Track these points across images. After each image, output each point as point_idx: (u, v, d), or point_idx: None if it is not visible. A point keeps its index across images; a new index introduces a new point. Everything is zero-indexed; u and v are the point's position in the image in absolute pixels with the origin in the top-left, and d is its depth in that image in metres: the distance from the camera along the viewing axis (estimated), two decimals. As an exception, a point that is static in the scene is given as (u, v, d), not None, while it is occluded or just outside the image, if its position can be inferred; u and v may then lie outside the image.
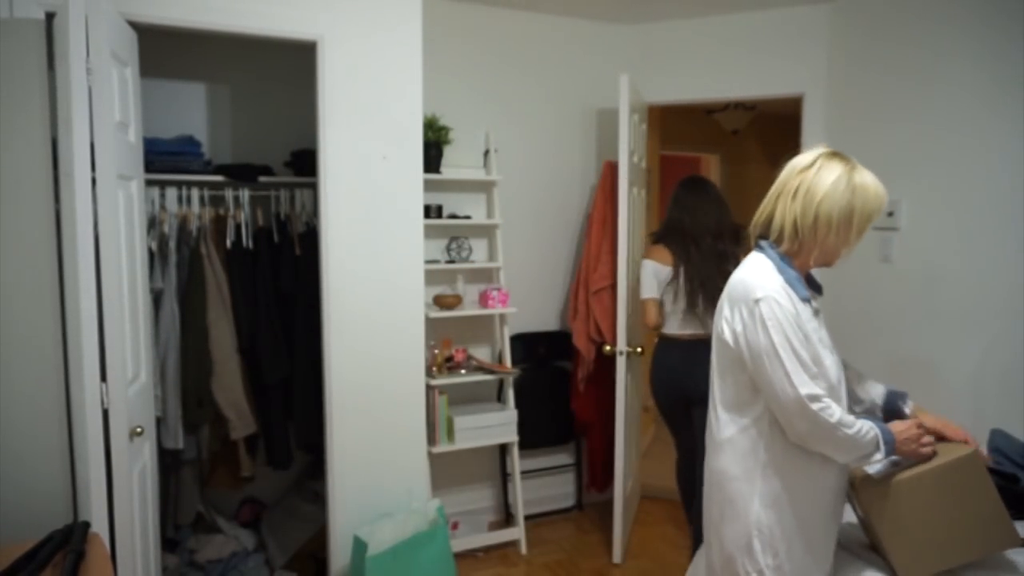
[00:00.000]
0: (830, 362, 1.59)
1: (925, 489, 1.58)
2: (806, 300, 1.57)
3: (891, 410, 1.76)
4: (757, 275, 1.57)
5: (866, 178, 1.55)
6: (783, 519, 1.56)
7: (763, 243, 1.63)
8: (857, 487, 1.67)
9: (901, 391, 1.79)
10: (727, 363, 1.61)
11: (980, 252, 2.63)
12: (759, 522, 1.57)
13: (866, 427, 1.52)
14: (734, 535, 1.61)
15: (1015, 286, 2.49)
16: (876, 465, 1.60)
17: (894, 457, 1.58)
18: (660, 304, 2.91)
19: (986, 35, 2.59)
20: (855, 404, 1.80)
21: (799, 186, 1.56)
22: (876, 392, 1.79)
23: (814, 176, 1.55)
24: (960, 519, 1.59)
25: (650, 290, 2.90)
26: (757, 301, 1.52)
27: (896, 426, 1.57)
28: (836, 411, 1.50)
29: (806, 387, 1.48)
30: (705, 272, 2.78)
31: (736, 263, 1.86)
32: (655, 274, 2.89)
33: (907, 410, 1.75)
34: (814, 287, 1.68)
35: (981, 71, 2.62)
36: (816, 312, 1.62)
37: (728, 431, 1.62)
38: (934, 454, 1.60)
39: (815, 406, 1.48)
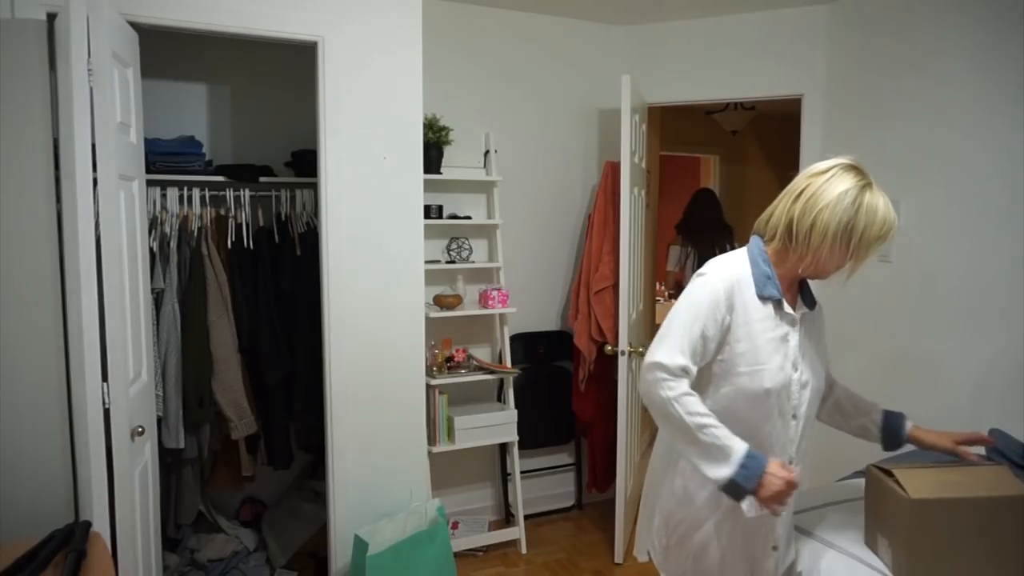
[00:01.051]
0: (775, 366, 1.52)
1: (964, 516, 1.53)
2: (767, 299, 1.54)
3: (891, 430, 1.73)
4: (720, 261, 1.57)
5: (877, 200, 1.48)
6: (685, 508, 1.62)
7: (754, 237, 1.62)
8: (888, 507, 1.61)
9: (898, 412, 1.74)
10: None
11: (980, 252, 2.63)
12: (664, 503, 1.67)
13: (719, 430, 1.44)
14: (646, 509, 1.74)
15: (1015, 286, 2.49)
16: (745, 503, 1.49)
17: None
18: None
19: (985, 35, 2.60)
20: (845, 418, 1.78)
21: (805, 189, 1.52)
22: (871, 411, 1.75)
23: (824, 183, 1.49)
24: (988, 555, 1.55)
25: (674, 265, 4.97)
26: (700, 275, 1.55)
27: (772, 466, 1.44)
28: (678, 390, 1.45)
29: (662, 355, 1.47)
30: (703, 250, 4.59)
31: (722, 246, 2.06)
32: (675, 253, 4.89)
33: (907, 429, 1.71)
34: (806, 297, 1.64)
35: (980, 71, 2.62)
36: (792, 321, 1.57)
37: None
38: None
39: (657, 374, 1.46)
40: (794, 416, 1.58)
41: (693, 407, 1.45)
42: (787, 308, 1.57)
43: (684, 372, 1.48)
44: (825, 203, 1.47)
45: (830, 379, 1.78)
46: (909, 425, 1.73)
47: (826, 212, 1.47)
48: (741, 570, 1.62)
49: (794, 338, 1.57)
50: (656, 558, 1.72)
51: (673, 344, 1.48)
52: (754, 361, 1.51)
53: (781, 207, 1.56)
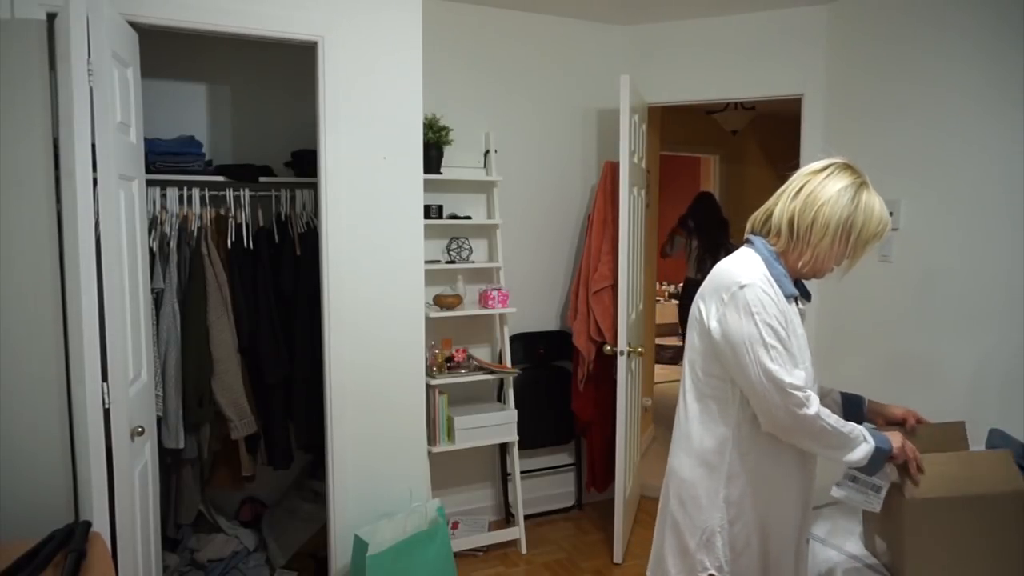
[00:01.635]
0: (809, 363, 1.57)
1: (963, 513, 1.55)
2: (792, 298, 1.55)
3: (851, 407, 1.77)
4: (743, 265, 1.55)
5: (873, 199, 1.53)
6: (743, 517, 1.56)
7: (753, 238, 1.61)
8: (894, 508, 1.62)
9: (857, 395, 1.79)
10: (701, 354, 1.59)
11: (979, 252, 2.63)
12: (721, 519, 1.57)
13: (850, 425, 1.52)
14: (693, 529, 1.60)
15: (1015, 286, 2.49)
16: (844, 489, 1.59)
17: (870, 479, 1.58)
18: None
19: (985, 35, 2.60)
20: None
21: (804, 186, 1.55)
22: (830, 392, 1.80)
23: (822, 180, 1.53)
24: (990, 553, 1.55)
25: (673, 249, 5.64)
26: (742, 287, 1.49)
27: (894, 436, 1.57)
28: (815, 402, 1.48)
29: (789, 375, 1.46)
30: (705, 243, 5.40)
31: (722, 239, 2.14)
32: (679, 242, 5.59)
33: (865, 406, 1.76)
34: (803, 292, 1.65)
35: (980, 71, 2.62)
36: (802, 315, 1.61)
37: (695, 426, 1.60)
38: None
39: (799, 395, 1.45)
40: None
41: (826, 412, 1.50)
42: (801, 304, 1.61)
43: (805, 387, 1.49)
44: (825, 199, 1.51)
45: None
46: (866, 402, 1.78)
47: (827, 208, 1.50)
48: (787, 563, 1.63)
49: (804, 332, 1.62)
50: None
51: (781, 362, 1.47)
52: (800, 359, 1.53)
53: (780, 205, 1.57)
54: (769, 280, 1.52)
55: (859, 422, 1.68)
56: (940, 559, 1.56)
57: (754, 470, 1.55)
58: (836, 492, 1.62)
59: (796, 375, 1.47)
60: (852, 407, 1.76)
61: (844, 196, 1.50)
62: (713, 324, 1.53)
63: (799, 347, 1.54)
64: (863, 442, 1.51)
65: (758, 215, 1.63)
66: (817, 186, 1.53)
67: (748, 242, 1.62)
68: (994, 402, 2.55)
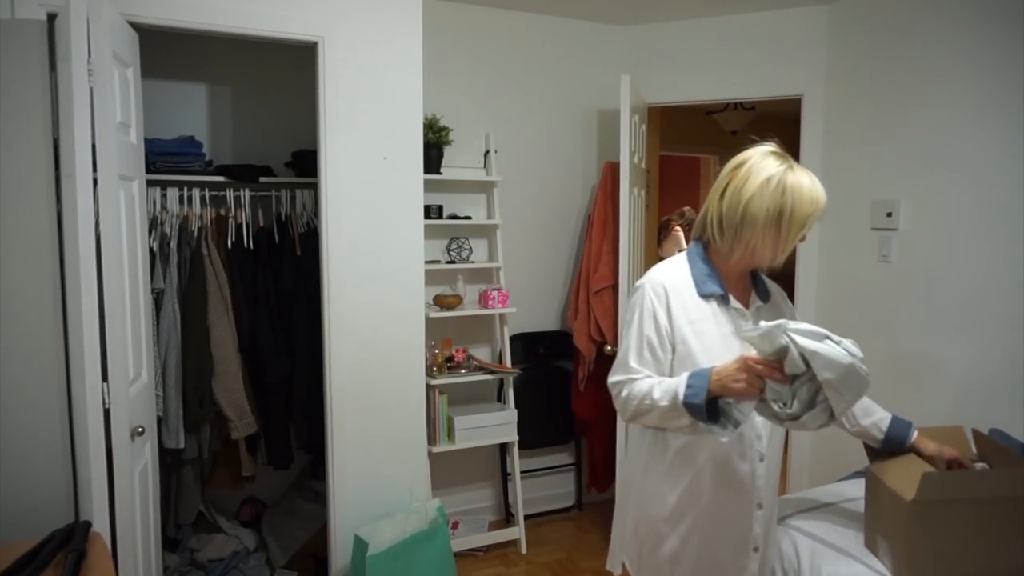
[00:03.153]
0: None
1: (964, 516, 1.53)
2: (709, 297, 1.54)
3: (894, 439, 1.71)
4: (657, 268, 1.59)
5: (802, 179, 1.46)
6: (652, 517, 1.60)
7: (693, 241, 1.63)
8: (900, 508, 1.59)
9: (907, 420, 1.72)
10: None
11: (979, 252, 2.63)
12: (634, 514, 1.65)
13: (663, 384, 1.44)
14: (618, 520, 1.74)
15: (1015, 286, 2.49)
16: (718, 427, 1.39)
17: (732, 401, 1.38)
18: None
19: (985, 35, 2.60)
20: (848, 424, 1.74)
21: (730, 183, 1.51)
22: (877, 417, 1.73)
23: (744, 174, 1.49)
24: (988, 556, 1.54)
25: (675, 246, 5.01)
26: (637, 288, 1.57)
27: (719, 367, 1.39)
28: (625, 387, 1.51)
29: (616, 375, 1.54)
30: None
31: None
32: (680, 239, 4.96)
33: (912, 439, 1.70)
34: (760, 291, 1.62)
35: (981, 71, 2.62)
36: (743, 315, 1.56)
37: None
38: (751, 387, 1.32)
39: (615, 390, 1.54)
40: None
41: (640, 390, 1.48)
42: (735, 303, 1.56)
43: (628, 379, 1.52)
44: (751, 193, 1.46)
45: None
46: (914, 434, 1.71)
47: (754, 202, 1.46)
48: (724, 574, 1.59)
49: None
50: (631, 568, 1.69)
51: (618, 363, 1.55)
52: (705, 359, 1.48)
53: (711, 206, 1.56)
54: (663, 284, 1.53)
55: (900, 447, 1.69)
56: (941, 562, 1.56)
57: (668, 468, 1.57)
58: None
59: (618, 375, 1.53)
60: (896, 430, 1.71)
61: (769, 186, 1.45)
62: None
63: (703, 347, 1.50)
64: (675, 398, 1.40)
65: (697, 221, 1.62)
66: (740, 182, 1.49)
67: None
68: (994, 402, 2.55)
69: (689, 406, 1.38)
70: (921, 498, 1.52)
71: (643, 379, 1.49)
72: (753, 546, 1.59)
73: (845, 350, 1.25)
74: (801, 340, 1.25)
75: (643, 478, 1.63)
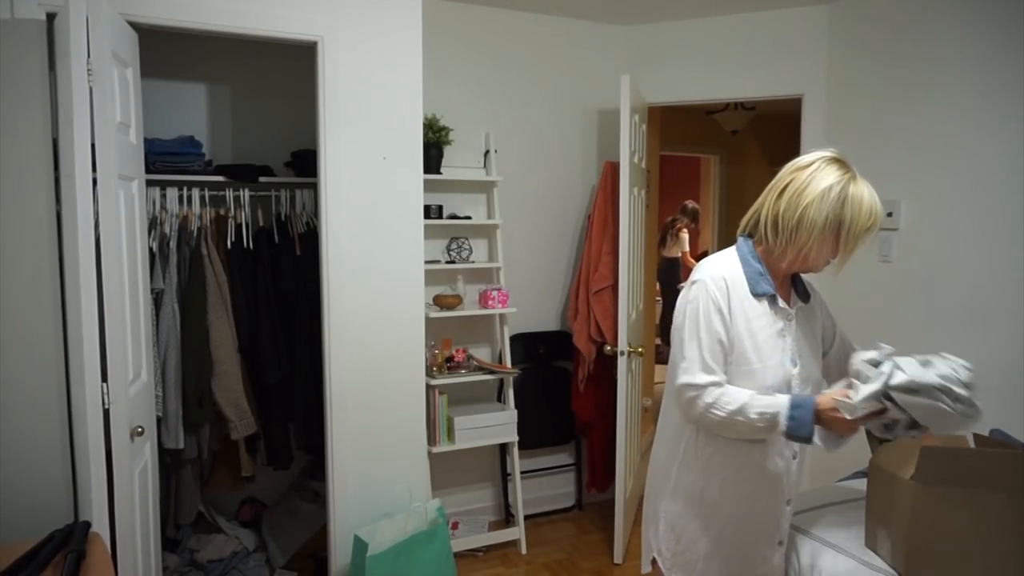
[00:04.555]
0: (775, 363, 1.53)
1: (970, 508, 1.54)
2: (762, 296, 1.54)
3: None
4: (711, 262, 1.57)
5: (863, 191, 1.48)
6: (689, 513, 1.59)
7: (741, 238, 1.61)
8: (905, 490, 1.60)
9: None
10: (675, 347, 1.62)
11: (980, 252, 2.63)
12: (667, 508, 1.63)
13: (757, 402, 1.47)
14: (648, 515, 1.69)
15: (1015, 286, 2.49)
16: (819, 440, 1.54)
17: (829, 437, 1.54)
18: None
19: (985, 35, 2.60)
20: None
21: (789, 184, 1.51)
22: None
23: (808, 177, 1.49)
24: (989, 550, 1.55)
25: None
26: (693, 282, 1.54)
27: (823, 403, 1.48)
28: (711, 396, 1.47)
29: (687, 376, 1.50)
30: None
31: None
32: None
33: None
34: (799, 291, 1.63)
35: (981, 71, 2.62)
36: (788, 316, 1.58)
37: (664, 418, 1.68)
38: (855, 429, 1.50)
39: (688, 394, 1.50)
40: None
41: (729, 402, 1.47)
42: (781, 303, 1.57)
43: (713, 384, 1.49)
44: (811, 199, 1.47)
45: (841, 335, 1.77)
46: None
47: (812, 208, 1.47)
48: (751, 568, 1.62)
49: (791, 333, 1.58)
50: (663, 565, 1.69)
51: (692, 362, 1.49)
52: (756, 359, 1.51)
53: (766, 204, 1.56)
54: (724, 279, 1.52)
55: None
56: (939, 551, 1.56)
57: (705, 469, 1.57)
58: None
59: (699, 376, 1.48)
60: None
61: (830, 195, 1.46)
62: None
63: (755, 346, 1.51)
64: (774, 424, 1.46)
65: (748, 216, 1.62)
66: (802, 184, 1.49)
67: (736, 241, 1.63)
68: (994, 402, 2.54)
69: (791, 436, 1.46)
70: (921, 472, 1.53)
71: (730, 389, 1.48)
72: (779, 540, 1.64)
73: (943, 381, 1.37)
74: (901, 398, 1.38)
75: (678, 475, 1.62)
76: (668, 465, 1.64)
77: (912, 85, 2.89)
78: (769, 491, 1.58)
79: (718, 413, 1.47)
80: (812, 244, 1.49)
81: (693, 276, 1.56)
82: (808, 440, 1.46)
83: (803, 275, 1.67)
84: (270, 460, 3.07)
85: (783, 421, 1.44)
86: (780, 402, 1.46)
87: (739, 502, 1.57)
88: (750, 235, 1.62)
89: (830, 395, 1.49)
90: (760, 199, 1.59)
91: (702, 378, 1.48)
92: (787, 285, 1.63)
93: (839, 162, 1.51)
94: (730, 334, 1.51)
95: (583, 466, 3.86)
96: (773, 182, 1.57)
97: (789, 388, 1.56)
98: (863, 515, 1.81)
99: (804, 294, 1.65)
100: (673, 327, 1.58)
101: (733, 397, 1.47)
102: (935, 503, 1.56)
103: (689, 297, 1.54)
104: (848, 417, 1.43)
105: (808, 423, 1.44)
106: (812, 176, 1.49)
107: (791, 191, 1.50)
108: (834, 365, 1.71)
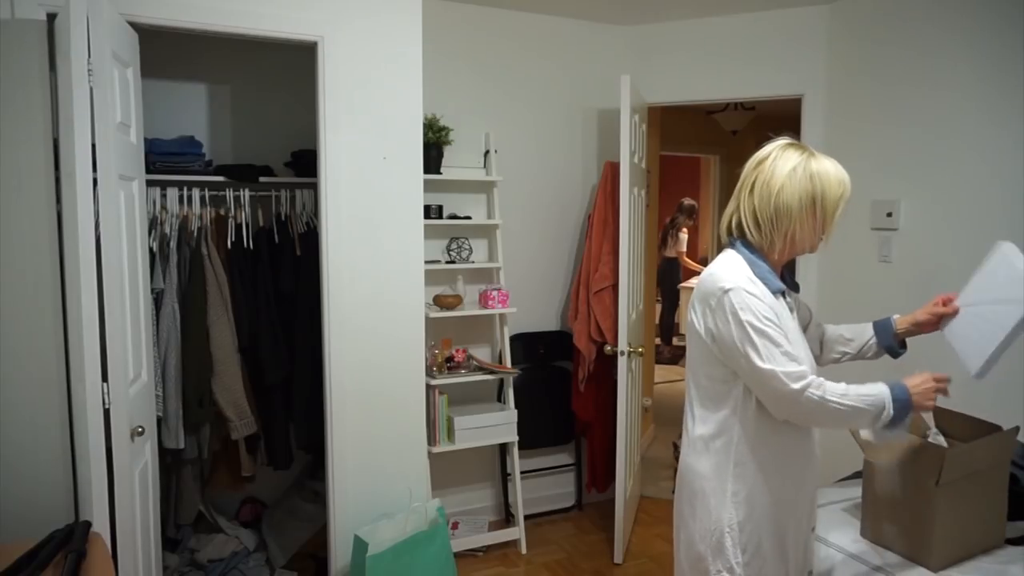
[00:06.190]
0: (804, 354, 1.55)
1: (974, 487, 1.66)
2: (779, 293, 1.55)
3: (882, 329, 1.83)
4: (725, 268, 1.55)
5: (825, 164, 1.52)
6: (754, 517, 1.55)
7: (734, 240, 1.62)
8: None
9: (884, 319, 1.84)
10: (700, 358, 1.59)
11: (979, 252, 2.61)
12: (730, 520, 1.55)
13: (868, 393, 1.48)
14: (704, 532, 1.58)
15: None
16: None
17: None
18: None
19: (985, 36, 2.60)
20: (846, 344, 1.85)
21: (756, 178, 1.55)
22: (864, 331, 1.85)
23: (771, 167, 1.53)
24: (983, 517, 1.68)
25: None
26: (726, 292, 1.50)
27: (911, 380, 1.53)
28: (820, 386, 1.45)
29: (784, 366, 1.45)
30: None
31: None
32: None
33: (894, 321, 1.82)
34: (790, 284, 1.65)
35: (980, 71, 2.62)
36: (791, 308, 1.60)
37: (701, 428, 1.60)
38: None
39: (795, 386, 1.44)
40: None
41: (836, 393, 1.46)
42: (789, 299, 1.60)
43: (805, 368, 1.48)
44: (780, 184, 1.51)
45: (820, 326, 1.84)
46: (895, 318, 1.84)
47: (784, 193, 1.51)
48: (803, 558, 1.63)
49: (795, 322, 1.61)
50: None
51: (774, 357, 1.46)
52: (796, 354, 1.51)
53: (741, 204, 1.58)
54: (752, 280, 1.52)
55: (890, 333, 1.81)
56: (954, 535, 1.66)
57: (763, 465, 1.54)
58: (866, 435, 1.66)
59: (791, 365, 1.45)
60: (883, 331, 1.83)
61: (796, 175, 1.50)
62: (704, 330, 1.55)
63: (791, 340, 1.52)
64: (883, 408, 1.48)
65: (724, 221, 1.64)
66: (767, 175, 1.53)
67: (730, 244, 1.62)
68: (993, 402, 2.55)
69: (894, 422, 1.48)
70: (945, 476, 1.60)
71: (825, 382, 1.47)
72: (812, 526, 1.67)
73: None
74: None
75: (735, 485, 1.56)
76: (720, 477, 1.57)
77: (912, 85, 2.89)
78: (811, 480, 1.62)
79: (831, 404, 1.46)
80: (795, 227, 1.52)
81: (722, 285, 1.51)
82: (903, 424, 1.49)
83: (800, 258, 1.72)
84: (270, 460, 3.08)
85: (890, 408, 1.47)
86: (880, 390, 1.49)
87: (795, 496, 1.58)
88: (739, 239, 1.62)
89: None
90: (732, 201, 1.62)
91: (794, 365, 1.46)
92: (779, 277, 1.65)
93: (795, 146, 1.56)
94: None
95: (583, 466, 3.86)
96: (740, 181, 1.60)
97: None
98: (862, 503, 1.86)
99: (794, 284, 1.68)
100: (723, 345, 1.52)
101: (835, 387, 1.48)
102: (954, 499, 1.64)
103: (733, 304, 1.49)
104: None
105: (908, 407, 1.49)
106: (774, 165, 1.53)
107: (760, 184, 1.54)
108: (813, 344, 1.77)
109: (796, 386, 1.44)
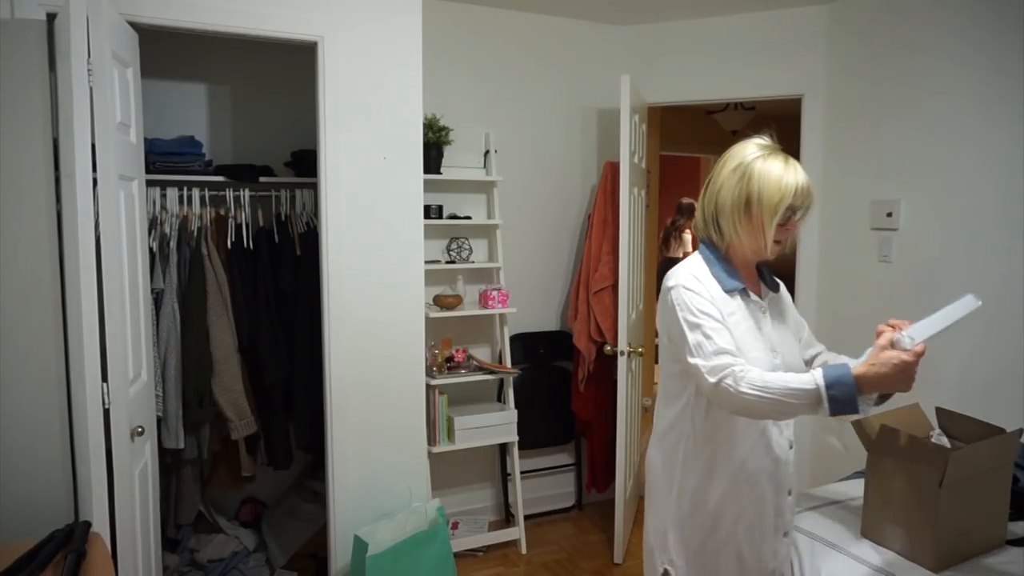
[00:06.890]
0: (757, 355, 1.49)
1: (978, 484, 1.68)
2: (733, 291, 1.53)
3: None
4: (678, 268, 1.57)
5: (772, 166, 1.46)
6: (698, 514, 1.54)
7: (701, 240, 1.63)
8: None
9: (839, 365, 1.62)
10: (663, 355, 1.61)
11: (978, 252, 2.63)
12: (676, 514, 1.56)
13: (796, 385, 1.36)
14: (654, 525, 1.61)
15: (1015, 286, 2.49)
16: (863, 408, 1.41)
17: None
18: None
19: (984, 36, 2.60)
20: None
21: (710, 181, 1.56)
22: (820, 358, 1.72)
23: (720, 168, 1.53)
24: (984, 505, 1.70)
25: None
26: (669, 289, 1.52)
27: (861, 368, 1.35)
28: (738, 378, 1.37)
29: (707, 360, 1.41)
30: None
31: None
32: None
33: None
34: (768, 281, 1.64)
35: (979, 71, 2.62)
36: (761, 308, 1.58)
37: (659, 423, 1.64)
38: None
39: (714, 378, 1.39)
40: None
41: (754, 385, 1.36)
42: (753, 296, 1.58)
43: (730, 359, 1.41)
44: (720, 183, 1.52)
45: (816, 348, 1.75)
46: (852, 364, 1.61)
47: (722, 192, 1.51)
48: (761, 561, 1.61)
49: (767, 324, 1.59)
50: (678, 574, 1.62)
51: (702, 346, 1.43)
52: (745, 350, 1.48)
53: (700, 202, 1.60)
54: (697, 277, 1.52)
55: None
56: (958, 534, 1.67)
57: (711, 462, 1.54)
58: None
59: (715, 359, 1.40)
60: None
61: (735, 175, 1.49)
62: (661, 328, 1.57)
63: (736, 340, 1.48)
64: (815, 402, 1.34)
65: (696, 221, 1.65)
66: (716, 176, 1.54)
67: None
68: (993, 402, 2.55)
69: (836, 412, 1.34)
70: (950, 477, 1.61)
71: (747, 367, 1.39)
72: (784, 531, 1.63)
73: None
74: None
75: (683, 479, 1.57)
76: (669, 471, 1.60)
77: (912, 85, 2.89)
78: (771, 483, 1.58)
79: (749, 395, 1.36)
80: (730, 227, 1.52)
81: (666, 284, 1.54)
82: (856, 411, 1.35)
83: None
84: (270, 460, 3.07)
85: (826, 403, 1.34)
86: (810, 380, 1.36)
87: (746, 496, 1.56)
88: (705, 239, 1.63)
89: (884, 341, 1.40)
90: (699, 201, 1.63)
91: (716, 359, 1.41)
92: (754, 277, 1.64)
93: (760, 144, 1.52)
94: None
95: (583, 466, 3.86)
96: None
97: None
98: (863, 503, 1.86)
99: (773, 284, 1.66)
100: (663, 340, 1.54)
101: (754, 376, 1.39)
102: (957, 500, 1.65)
103: (670, 304, 1.50)
104: (908, 349, 1.37)
105: (851, 397, 1.33)
106: (724, 162, 1.54)
107: (711, 186, 1.55)
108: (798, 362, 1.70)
109: (712, 379, 1.40)
